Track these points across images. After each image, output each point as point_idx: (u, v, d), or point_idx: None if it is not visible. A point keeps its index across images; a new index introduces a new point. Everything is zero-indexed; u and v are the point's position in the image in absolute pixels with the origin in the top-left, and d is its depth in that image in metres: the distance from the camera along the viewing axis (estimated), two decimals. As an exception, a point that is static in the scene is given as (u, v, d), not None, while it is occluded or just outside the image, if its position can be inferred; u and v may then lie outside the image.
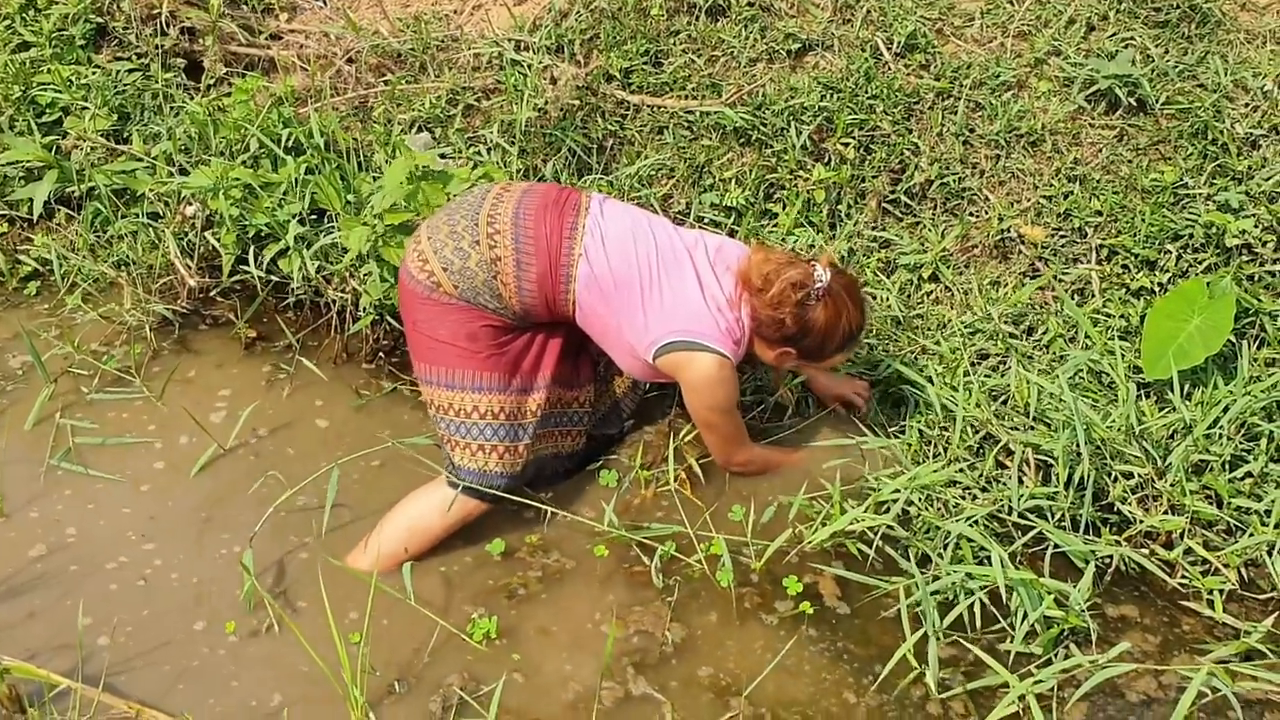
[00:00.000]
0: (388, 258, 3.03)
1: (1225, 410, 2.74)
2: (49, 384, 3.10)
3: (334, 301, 3.28)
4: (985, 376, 2.96)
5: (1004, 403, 2.91)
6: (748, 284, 2.54)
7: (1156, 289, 3.05)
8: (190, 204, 3.38)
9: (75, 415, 3.04)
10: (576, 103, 3.45)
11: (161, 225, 3.40)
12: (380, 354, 3.31)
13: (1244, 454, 2.73)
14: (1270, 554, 2.61)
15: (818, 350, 2.58)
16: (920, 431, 2.88)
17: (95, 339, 3.33)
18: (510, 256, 2.50)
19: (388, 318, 3.20)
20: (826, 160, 3.40)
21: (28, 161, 3.54)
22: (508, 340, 2.61)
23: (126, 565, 2.65)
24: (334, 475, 2.63)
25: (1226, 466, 2.71)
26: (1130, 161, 3.21)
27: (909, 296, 3.21)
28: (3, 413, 3.06)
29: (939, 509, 2.71)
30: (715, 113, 3.42)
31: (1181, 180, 3.11)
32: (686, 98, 3.50)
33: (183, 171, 3.44)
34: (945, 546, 2.60)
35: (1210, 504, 2.67)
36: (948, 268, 3.23)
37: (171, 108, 3.64)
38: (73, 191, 3.56)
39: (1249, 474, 2.70)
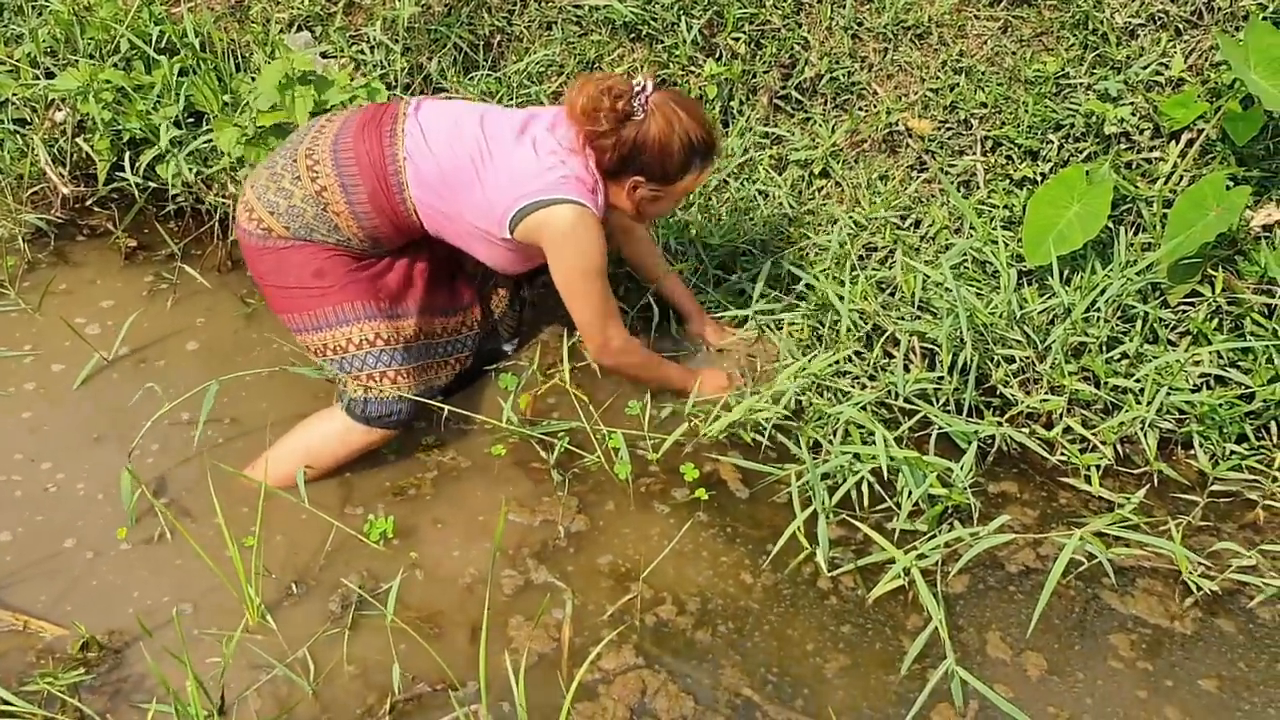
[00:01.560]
0: (260, 161, 2.95)
1: (1102, 293, 2.82)
2: (-84, 300, 2.99)
3: (215, 207, 3.19)
4: (874, 269, 3.01)
5: (891, 294, 2.96)
6: (573, 113, 2.41)
7: (1039, 179, 3.11)
8: (60, 109, 3.24)
9: (-54, 330, 2.94)
10: (462, -2, 3.38)
11: (30, 132, 3.25)
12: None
13: (1120, 335, 2.82)
14: (1144, 430, 2.72)
15: (660, 169, 2.46)
16: (811, 326, 2.92)
17: (-36, 252, 3.20)
18: (335, 184, 2.43)
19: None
20: (718, 56, 3.38)
21: (-121, 67, 3.36)
22: (363, 266, 2.54)
23: (11, 480, 2.58)
24: (212, 389, 2.53)
25: (1103, 348, 2.80)
26: (1014, 53, 3.25)
27: (800, 193, 3.23)
28: None
29: (829, 398, 2.77)
30: (604, 7, 3.37)
31: (1063, 70, 3.16)
32: (575, -7, 3.44)
33: (49, 75, 3.29)
34: (835, 433, 2.66)
35: (1088, 384, 2.76)
36: (838, 163, 3.25)
37: (34, 7, 3.45)
38: (-70, 97, 3.39)
39: (1125, 354, 2.80)
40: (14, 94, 3.25)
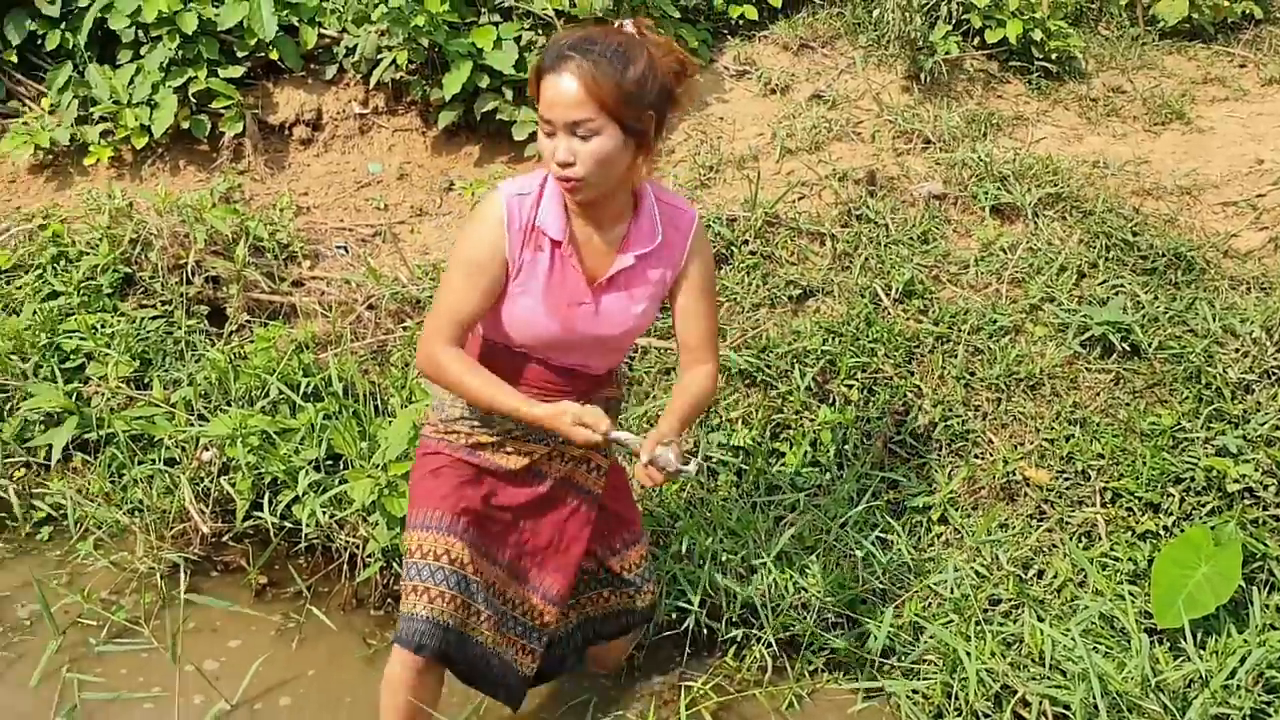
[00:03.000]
0: (390, 508, 3.06)
1: (1242, 661, 2.72)
2: (57, 636, 3.09)
3: (345, 546, 3.30)
4: (1000, 624, 2.95)
5: (1019, 651, 2.89)
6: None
7: (1162, 532, 3.07)
8: (208, 449, 3.44)
9: (82, 668, 3.01)
10: (587, 348, 3.56)
11: (178, 471, 3.44)
12: (389, 600, 3.29)
13: (1264, 707, 2.70)
14: (1301, 813, 2.55)
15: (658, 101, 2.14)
16: (942, 683, 2.85)
17: (105, 587, 3.33)
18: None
19: (394, 564, 3.20)
20: (831, 401, 3.49)
21: (48, 407, 3.62)
22: (475, 451, 2.41)
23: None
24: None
25: (1248, 720, 2.67)
26: (1128, 405, 3.29)
27: (919, 539, 3.23)
28: (9, 666, 3.04)
29: (960, 767, 2.67)
30: (721, 355, 3.52)
31: (1179, 424, 3.18)
32: (693, 342, 3.61)
33: (201, 418, 3.52)
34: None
35: (1235, 760, 2.62)
36: (956, 509, 3.26)
37: (193, 354, 3.74)
38: (90, 436, 3.62)
39: (1272, 727, 2.67)
40: (168, 436, 3.47)
